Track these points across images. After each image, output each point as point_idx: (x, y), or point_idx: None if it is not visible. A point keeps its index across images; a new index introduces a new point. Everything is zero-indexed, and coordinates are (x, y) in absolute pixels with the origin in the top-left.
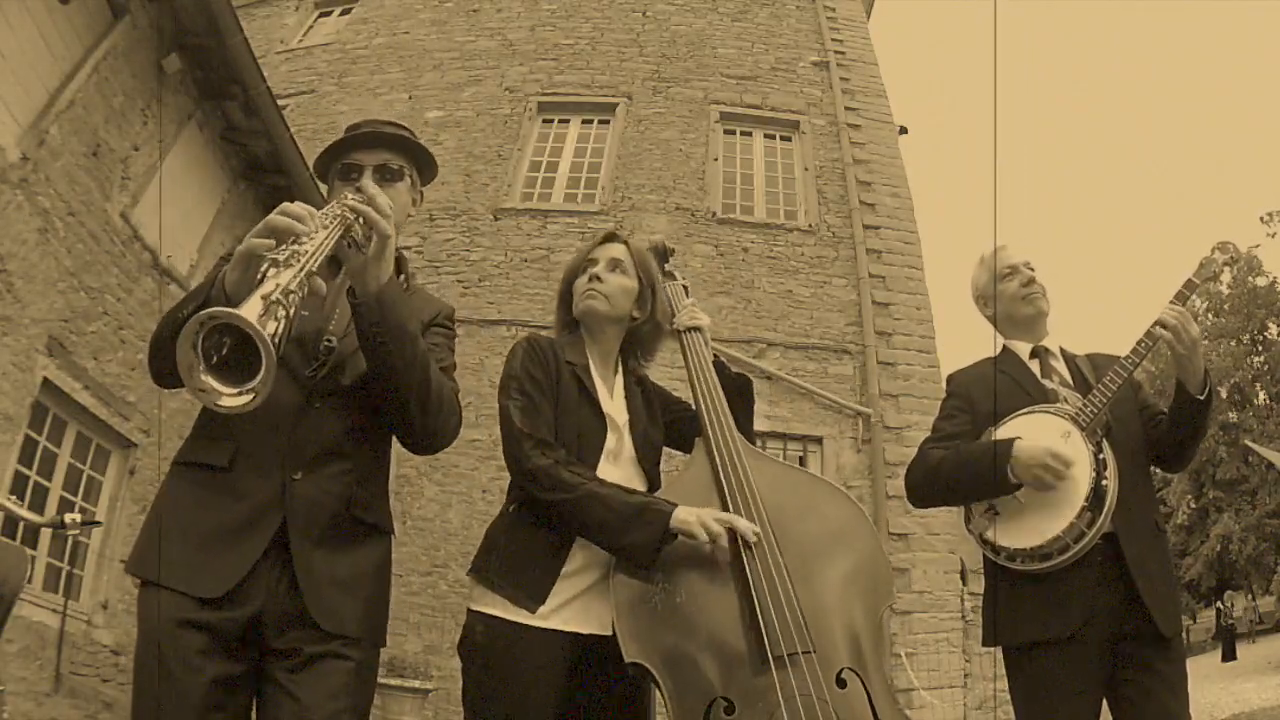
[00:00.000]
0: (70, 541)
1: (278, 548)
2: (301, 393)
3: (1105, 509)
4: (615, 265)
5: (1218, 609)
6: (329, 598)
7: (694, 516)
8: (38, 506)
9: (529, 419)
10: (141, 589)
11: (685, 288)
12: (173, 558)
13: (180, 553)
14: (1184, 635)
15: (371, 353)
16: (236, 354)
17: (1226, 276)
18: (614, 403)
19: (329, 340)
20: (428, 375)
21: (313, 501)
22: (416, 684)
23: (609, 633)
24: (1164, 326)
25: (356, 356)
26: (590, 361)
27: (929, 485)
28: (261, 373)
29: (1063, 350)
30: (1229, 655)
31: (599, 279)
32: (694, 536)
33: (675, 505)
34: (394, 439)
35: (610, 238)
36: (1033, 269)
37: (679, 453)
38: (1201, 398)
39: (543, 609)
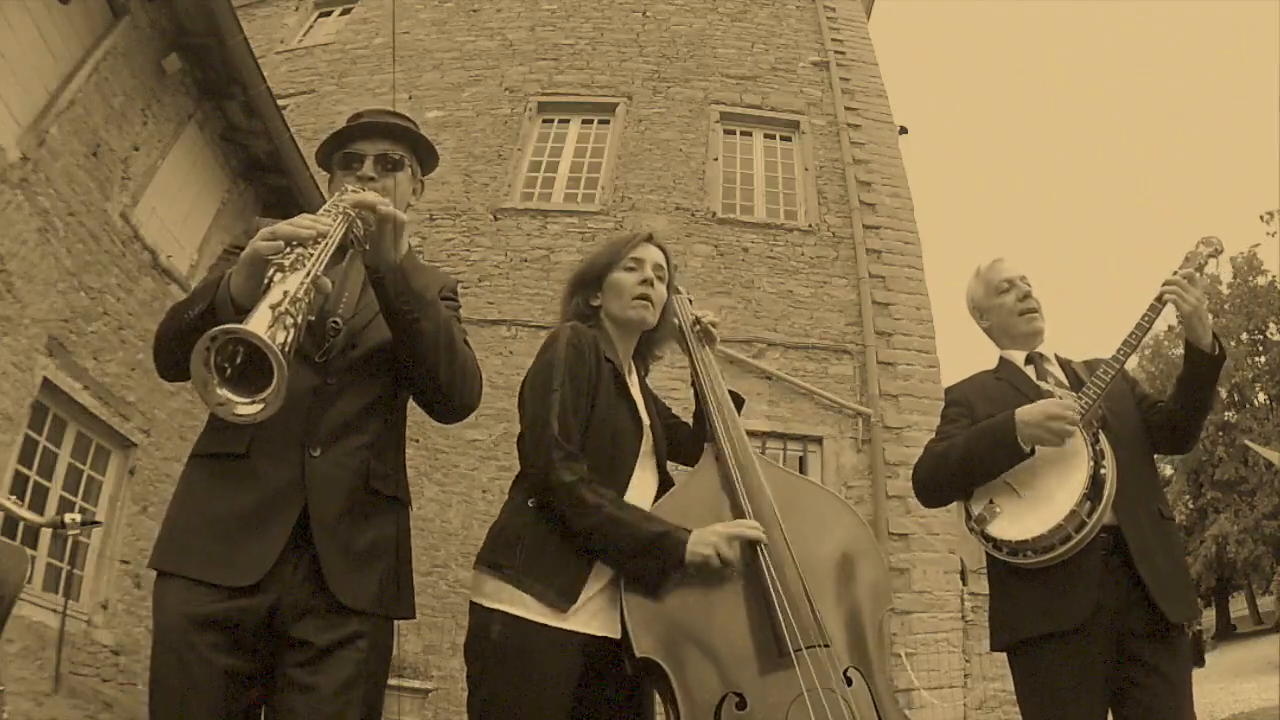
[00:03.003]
0: (70, 541)
1: (301, 530)
2: (315, 374)
3: (1104, 498)
4: (659, 272)
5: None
6: (347, 573)
7: (709, 548)
8: (38, 506)
9: (564, 423)
10: (158, 581)
11: (690, 300)
12: (198, 549)
13: (205, 544)
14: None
15: (399, 322)
16: (249, 363)
17: (1227, 276)
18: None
19: (335, 321)
20: (454, 339)
21: (331, 478)
22: (416, 684)
23: (618, 635)
24: (1169, 285)
25: (365, 333)
26: (620, 362)
27: (938, 475)
28: (274, 384)
29: (1057, 356)
30: (1197, 662)
31: (651, 285)
32: (710, 565)
33: (689, 534)
34: (406, 414)
35: (650, 239)
36: (1029, 283)
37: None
38: (1216, 354)
39: (569, 611)
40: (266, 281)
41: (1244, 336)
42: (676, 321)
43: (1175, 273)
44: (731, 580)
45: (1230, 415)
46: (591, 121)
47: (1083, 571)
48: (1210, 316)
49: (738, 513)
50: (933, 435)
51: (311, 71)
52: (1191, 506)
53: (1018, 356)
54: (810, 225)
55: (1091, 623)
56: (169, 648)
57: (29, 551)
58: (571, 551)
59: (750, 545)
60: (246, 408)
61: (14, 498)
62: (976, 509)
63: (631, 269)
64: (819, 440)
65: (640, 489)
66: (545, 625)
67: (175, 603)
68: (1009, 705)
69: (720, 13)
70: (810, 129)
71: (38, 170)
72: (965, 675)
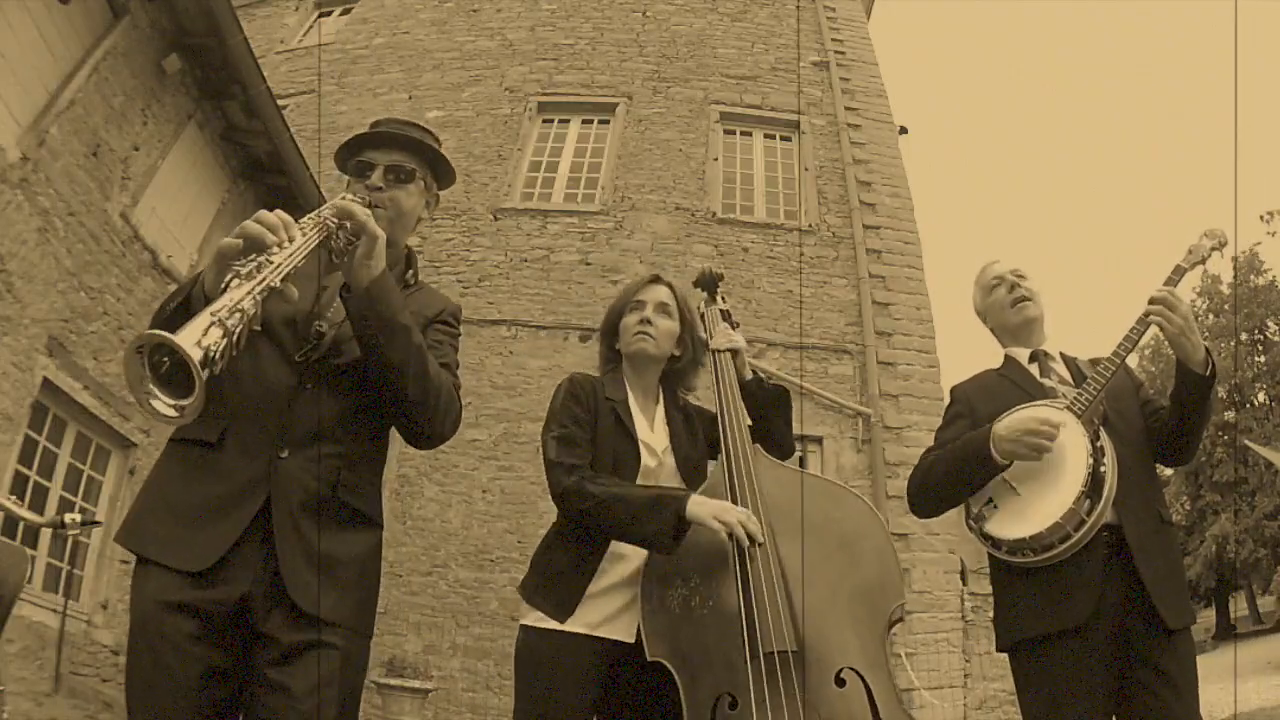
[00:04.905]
0: (70, 541)
1: (265, 527)
2: (294, 374)
3: (1104, 496)
4: (663, 309)
5: None
6: (306, 577)
7: (707, 510)
8: (38, 506)
9: (561, 449)
10: (135, 569)
11: (726, 312)
12: (159, 532)
13: (166, 527)
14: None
15: (364, 345)
16: (181, 367)
17: (1226, 275)
18: (654, 431)
19: (320, 325)
20: (425, 368)
21: (297, 480)
22: (416, 684)
23: (633, 640)
24: (1153, 303)
25: (351, 342)
26: (630, 396)
27: (925, 489)
28: (195, 394)
29: (1063, 354)
30: None
31: (649, 322)
32: (706, 526)
33: (689, 495)
34: (393, 435)
35: (655, 280)
36: (1021, 276)
37: None
38: (1205, 374)
39: (571, 619)
40: (223, 288)
41: (1244, 336)
42: (703, 336)
43: (1163, 285)
44: (730, 587)
45: (1230, 415)
46: (591, 121)
47: (1084, 571)
48: (1199, 334)
49: None
50: (932, 435)
51: (311, 71)
52: (1190, 507)
53: (1022, 354)
54: (810, 225)
55: (1093, 623)
56: (145, 636)
57: (29, 551)
58: (572, 571)
59: (738, 550)
60: (166, 409)
61: (14, 498)
62: (975, 507)
63: (634, 309)
64: (819, 440)
65: None
66: (553, 631)
67: (149, 590)
68: (1009, 705)
69: (720, 13)
70: (810, 129)
71: (38, 170)
72: (965, 675)
